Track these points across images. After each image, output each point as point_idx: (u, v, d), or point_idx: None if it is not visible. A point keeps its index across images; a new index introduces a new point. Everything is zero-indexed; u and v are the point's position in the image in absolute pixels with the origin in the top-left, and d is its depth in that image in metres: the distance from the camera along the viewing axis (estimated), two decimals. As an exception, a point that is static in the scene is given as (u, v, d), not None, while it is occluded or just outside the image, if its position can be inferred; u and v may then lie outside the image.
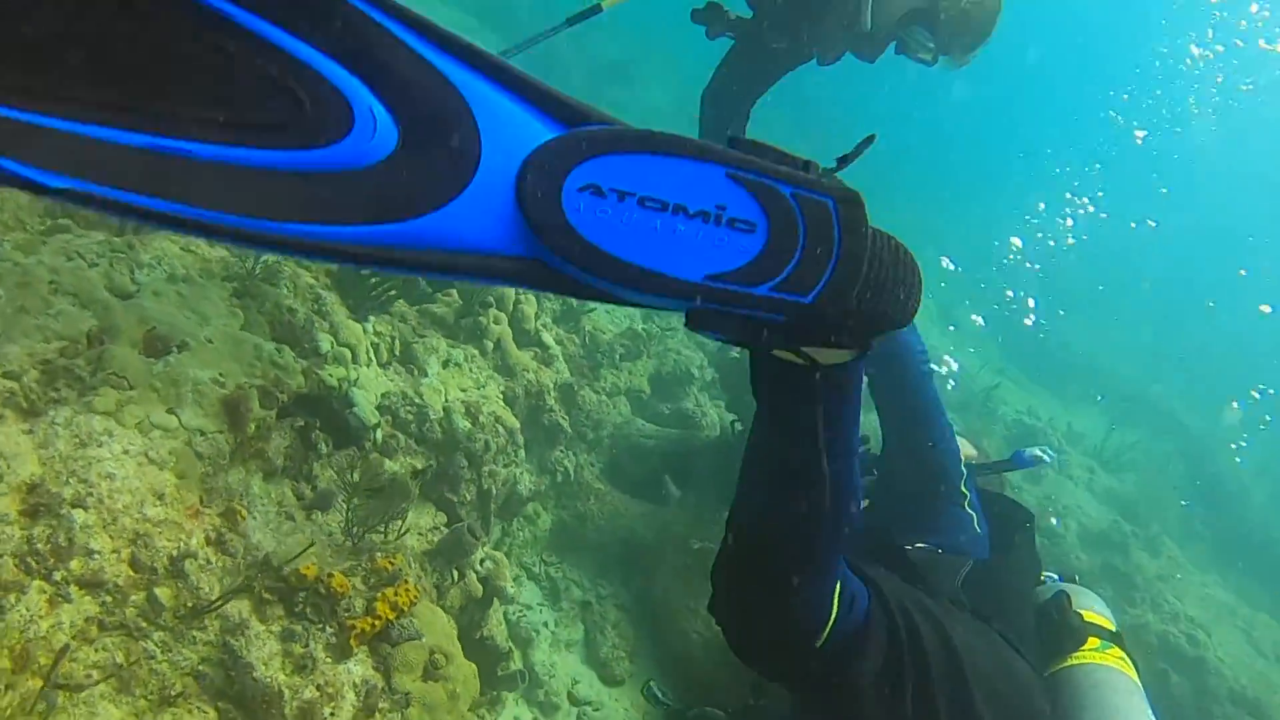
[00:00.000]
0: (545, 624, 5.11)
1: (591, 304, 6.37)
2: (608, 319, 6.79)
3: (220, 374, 3.19)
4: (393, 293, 4.29)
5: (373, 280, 4.24)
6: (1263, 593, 10.40)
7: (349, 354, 3.86)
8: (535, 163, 0.98)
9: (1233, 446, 14.66)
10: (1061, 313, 16.23)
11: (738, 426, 5.98)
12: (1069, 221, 17.62)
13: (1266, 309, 22.07)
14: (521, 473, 4.76)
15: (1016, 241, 17.15)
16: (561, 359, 5.43)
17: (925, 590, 2.11)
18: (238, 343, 3.38)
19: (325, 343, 3.78)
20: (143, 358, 3.08)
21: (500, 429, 4.44)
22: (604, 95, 15.78)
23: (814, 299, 1.06)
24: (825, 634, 1.59)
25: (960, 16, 3.44)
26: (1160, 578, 8.77)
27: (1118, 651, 2.47)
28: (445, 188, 0.96)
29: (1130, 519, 9.75)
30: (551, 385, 5.20)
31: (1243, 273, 25.75)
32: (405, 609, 3.03)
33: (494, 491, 4.41)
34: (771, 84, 3.82)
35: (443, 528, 4.07)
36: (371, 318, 4.22)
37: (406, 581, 3.11)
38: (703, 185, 1.03)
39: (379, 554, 3.23)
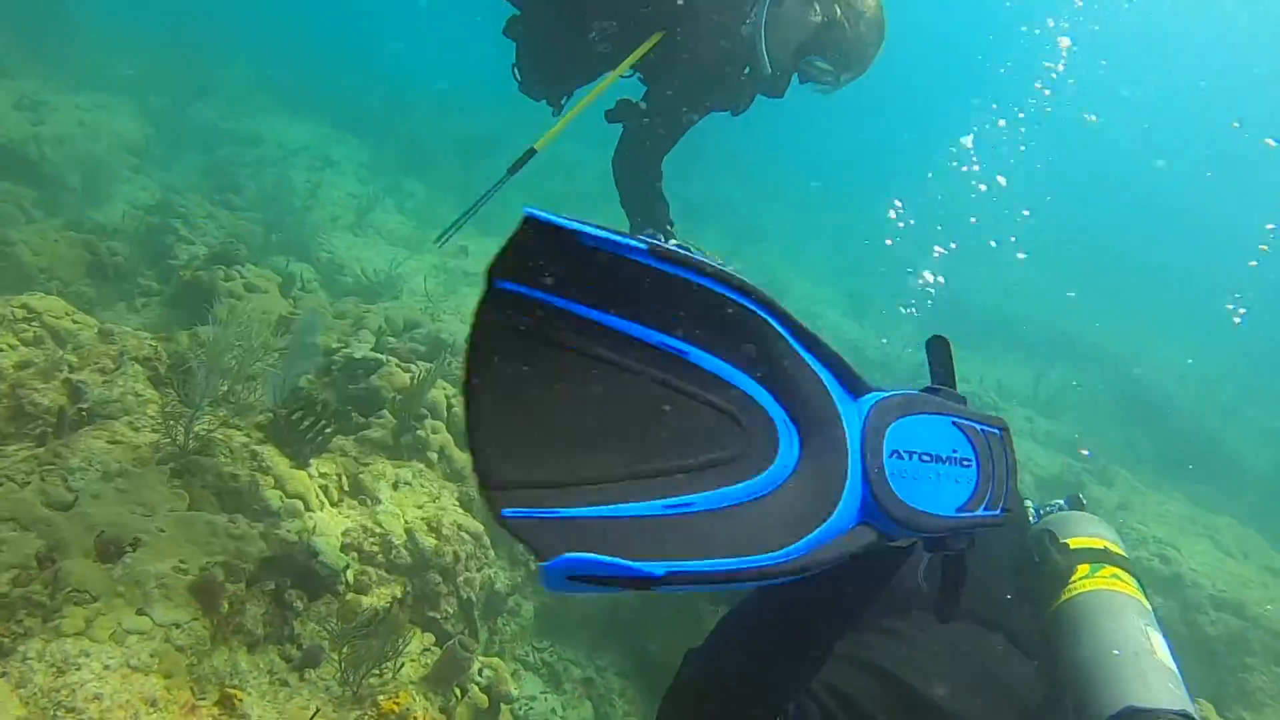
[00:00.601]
0: (553, 710, 5.09)
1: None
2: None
3: (180, 561, 3.16)
4: (329, 430, 4.28)
5: (305, 424, 4.23)
6: (1216, 494, 10.79)
7: (300, 504, 3.85)
8: (868, 440, 1.10)
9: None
10: (1021, 250, 16.52)
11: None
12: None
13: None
14: (496, 571, 4.76)
15: (967, 142, 16.67)
16: (506, 449, 5.45)
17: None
18: (189, 525, 3.35)
19: (274, 500, 3.77)
20: (99, 565, 3.04)
21: (465, 536, 4.44)
22: (477, 167, 15.92)
23: (1002, 512, 1.26)
24: None
25: (847, 35, 3.61)
26: (1121, 506, 9.06)
27: (1109, 570, 2.36)
28: (836, 484, 1.03)
29: (1078, 457, 10.07)
30: (503, 478, 5.21)
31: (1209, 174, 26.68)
32: (421, 745, 3.02)
33: (473, 598, 4.40)
34: (679, 138, 3.94)
35: (433, 648, 4.06)
36: (313, 460, 4.21)
37: (415, 717, 3.10)
38: (942, 434, 1.23)
39: (381, 697, 3.22)
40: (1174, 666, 2.04)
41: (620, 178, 3.95)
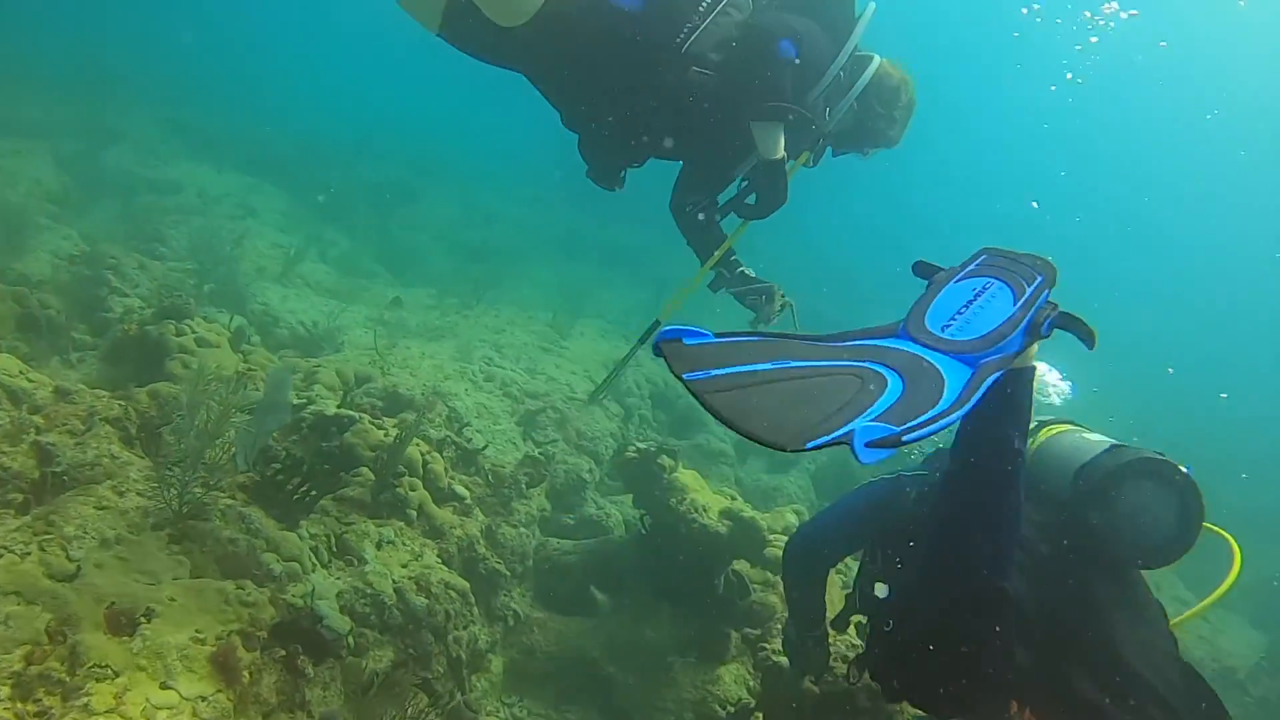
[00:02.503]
0: (526, 766, 5.06)
1: (482, 442, 6.40)
2: (500, 454, 6.82)
3: (197, 631, 3.08)
4: (314, 492, 4.21)
5: (290, 485, 4.16)
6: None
7: (298, 567, 3.78)
8: (926, 341, 1.68)
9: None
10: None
11: (647, 520, 6.13)
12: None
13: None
14: (479, 629, 4.73)
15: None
16: (475, 505, 5.43)
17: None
18: (200, 593, 3.27)
19: (273, 563, 3.69)
20: (115, 639, 2.94)
21: (453, 594, 4.42)
22: (394, 215, 15.84)
23: (1042, 278, 1.82)
24: None
25: (881, 126, 3.93)
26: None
27: (1044, 431, 2.84)
28: (933, 375, 1.56)
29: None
30: (479, 534, 5.20)
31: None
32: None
33: (463, 657, 4.37)
34: (726, 186, 4.24)
35: (426, 709, 4.01)
36: (302, 522, 4.14)
37: (445, 783, 3.07)
38: (959, 293, 1.82)
39: (405, 763, 3.18)
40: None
41: (682, 223, 4.42)
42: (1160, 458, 2.38)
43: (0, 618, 2.91)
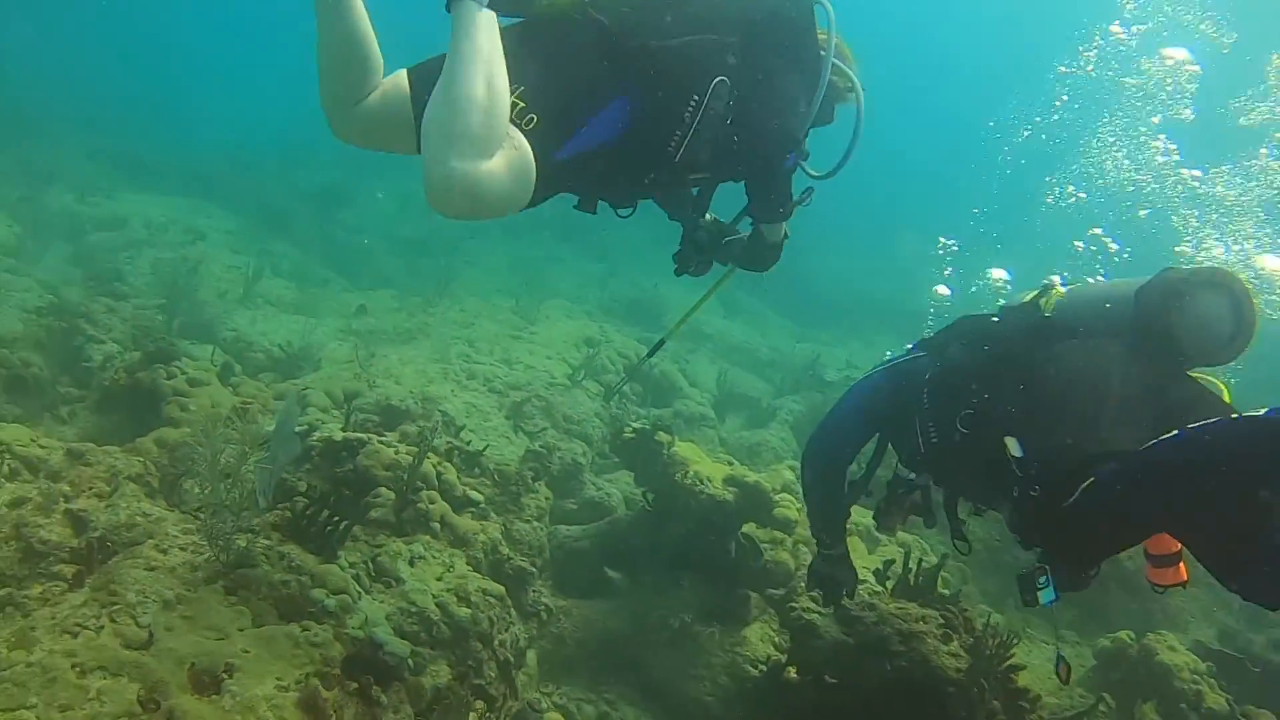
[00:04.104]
0: (582, 749, 5.28)
1: (481, 444, 6.55)
2: (497, 451, 6.97)
3: (278, 679, 3.23)
4: (344, 524, 4.34)
5: (320, 518, 4.28)
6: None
7: (348, 599, 3.93)
8: None
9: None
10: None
11: (650, 496, 6.34)
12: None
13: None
14: (519, 629, 4.92)
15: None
16: (490, 507, 5.60)
17: None
18: (270, 641, 3.41)
19: (325, 599, 3.84)
20: (204, 699, 3.09)
21: (491, 600, 4.59)
22: (333, 218, 15.76)
23: None
24: None
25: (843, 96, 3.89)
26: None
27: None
28: None
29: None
30: (500, 536, 5.37)
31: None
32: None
33: (510, 659, 4.56)
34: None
35: (485, 714, 4.21)
36: (341, 553, 4.28)
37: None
38: None
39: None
40: None
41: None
42: (1220, 268, 2.95)
43: (92, 694, 3.04)
